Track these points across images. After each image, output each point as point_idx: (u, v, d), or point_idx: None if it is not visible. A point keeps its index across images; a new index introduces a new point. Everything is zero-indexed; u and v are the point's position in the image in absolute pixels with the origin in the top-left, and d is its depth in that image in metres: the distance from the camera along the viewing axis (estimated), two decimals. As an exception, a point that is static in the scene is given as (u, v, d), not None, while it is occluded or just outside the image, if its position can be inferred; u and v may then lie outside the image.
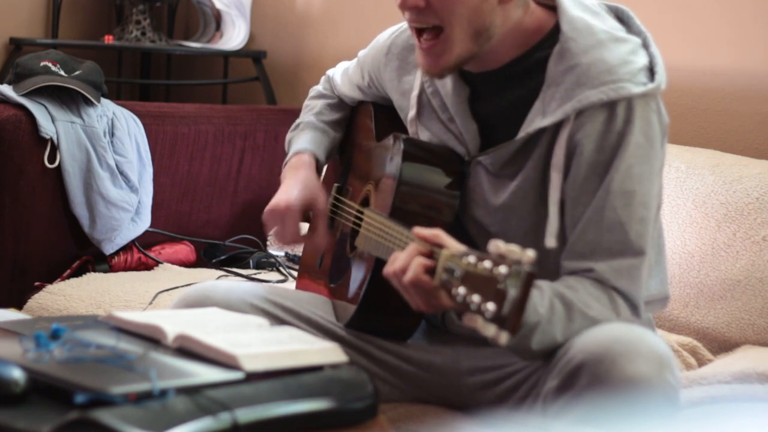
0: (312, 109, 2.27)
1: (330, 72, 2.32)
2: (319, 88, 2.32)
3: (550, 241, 1.85)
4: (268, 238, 3.22)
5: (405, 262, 1.66)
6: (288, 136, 2.26)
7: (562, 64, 1.85)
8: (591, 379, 1.68)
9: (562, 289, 1.77)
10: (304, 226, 2.12)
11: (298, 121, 2.27)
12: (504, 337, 1.47)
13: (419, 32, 1.88)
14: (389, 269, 1.70)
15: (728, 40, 2.84)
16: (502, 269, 1.47)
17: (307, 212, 2.10)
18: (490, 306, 1.47)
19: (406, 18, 1.90)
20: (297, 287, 2.30)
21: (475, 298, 1.50)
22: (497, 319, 1.47)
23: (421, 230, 1.67)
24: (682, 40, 2.90)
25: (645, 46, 1.89)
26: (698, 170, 2.62)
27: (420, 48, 1.88)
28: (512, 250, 1.48)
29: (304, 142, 2.19)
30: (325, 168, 2.27)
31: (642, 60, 1.86)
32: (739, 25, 2.83)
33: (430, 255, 1.64)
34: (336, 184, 2.23)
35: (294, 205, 2.06)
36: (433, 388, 1.99)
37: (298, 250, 3.10)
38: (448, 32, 1.85)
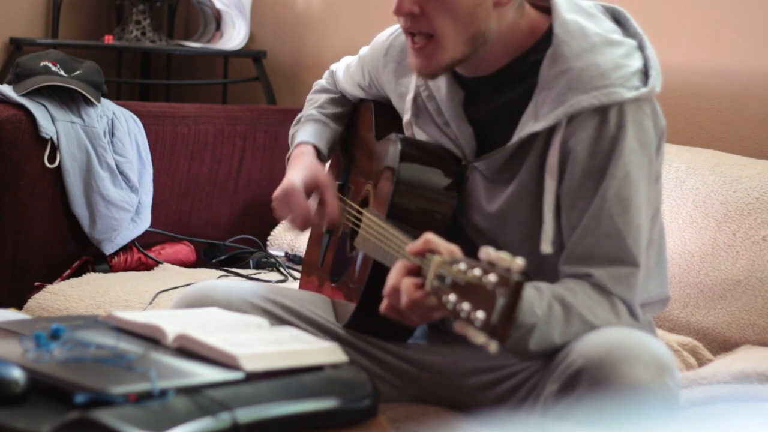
0: (314, 102, 2.28)
1: (333, 66, 2.32)
2: (322, 82, 2.33)
3: (546, 247, 1.84)
4: (273, 233, 3.21)
5: (395, 289, 1.66)
6: (291, 131, 2.27)
7: (555, 67, 1.84)
8: (591, 383, 1.68)
9: (562, 291, 1.77)
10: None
11: (300, 115, 2.28)
12: (493, 346, 1.46)
13: (412, 35, 1.88)
14: (384, 305, 1.69)
15: (728, 40, 2.84)
16: (492, 277, 1.46)
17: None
18: (480, 314, 1.47)
19: (401, 23, 1.90)
20: (300, 285, 2.31)
21: (465, 306, 1.49)
22: (486, 328, 1.46)
23: (412, 246, 1.66)
24: (683, 40, 2.90)
25: (640, 48, 1.88)
26: (698, 170, 2.62)
27: (412, 48, 1.88)
28: (502, 257, 1.47)
29: (306, 134, 2.20)
30: (327, 164, 2.27)
31: (636, 63, 1.85)
32: (740, 25, 2.83)
33: (417, 271, 1.64)
34: (338, 182, 2.23)
35: (297, 184, 2.05)
36: (433, 388, 1.99)
37: (300, 249, 3.11)
38: (439, 39, 1.84)
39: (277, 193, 2.06)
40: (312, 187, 2.08)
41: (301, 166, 2.11)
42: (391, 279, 1.67)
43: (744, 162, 2.62)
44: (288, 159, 2.18)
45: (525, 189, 1.87)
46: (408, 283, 1.63)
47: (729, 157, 2.65)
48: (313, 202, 2.08)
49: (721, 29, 2.86)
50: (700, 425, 1.91)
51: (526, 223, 1.88)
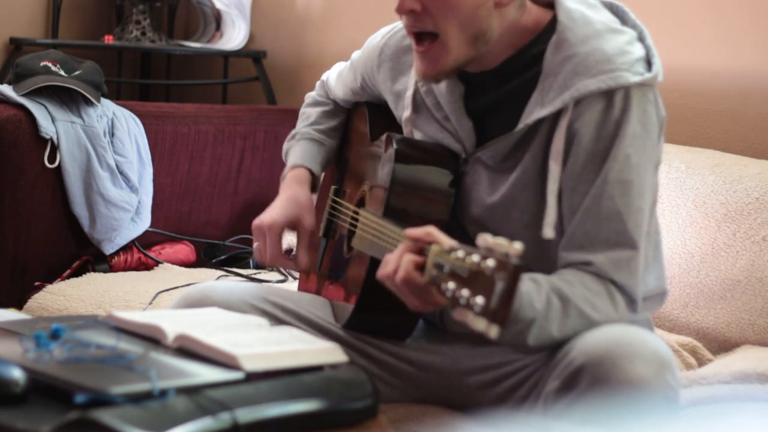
0: (308, 118, 2.28)
1: (324, 76, 2.32)
2: (313, 94, 2.32)
3: (548, 231, 1.85)
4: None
5: (395, 263, 1.66)
6: (285, 146, 2.27)
7: (560, 54, 1.85)
8: (592, 381, 1.68)
9: (560, 283, 1.77)
10: (293, 240, 2.13)
11: (294, 131, 2.27)
12: (494, 331, 1.46)
13: (417, 37, 1.88)
14: (382, 272, 1.70)
15: (728, 40, 2.84)
16: (490, 262, 1.47)
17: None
18: (479, 300, 1.47)
19: (404, 22, 1.90)
20: (299, 288, 2.31)
21: (464, 292, 1.49)
22: (486, 313, 1.46)
23: (412, 231, 1.67)
24: (682, 40, 2.90)
25: (641, 39, 1.90)
26: (698, 170, 2.61)
27: (417, 51, 1.89)
28: (500, 243, 1.48)
29: (300, 156, 2.20)
30: (323, 174, 2.27)
31: (639, 51, 1.87)
32: (740, 25, 2.83)
33: (419, 253, 1.64)
34: (333, 186, 2.23)
35: (277, 224, 2.07)
36: (433, 388, 2.00)
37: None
38: (443, 38, 1.85)
39: (256, 223, 2.08)
40: (291, 228, 2.09)
41: (288, 201, 2.11)
42: (394, 258, 1.67)
43: (744, 162, 2.62)
44: (282, 179, 2.18)
45: (529, 176, 1.88)
46: (409, 259, 1.63)
47: (729, 157, 2.65)
48: (291, 238, 2.10)
49: (721, 29, 2.86)
50: (700, 425, 1.91)
51: (529, 210, 1.89)
